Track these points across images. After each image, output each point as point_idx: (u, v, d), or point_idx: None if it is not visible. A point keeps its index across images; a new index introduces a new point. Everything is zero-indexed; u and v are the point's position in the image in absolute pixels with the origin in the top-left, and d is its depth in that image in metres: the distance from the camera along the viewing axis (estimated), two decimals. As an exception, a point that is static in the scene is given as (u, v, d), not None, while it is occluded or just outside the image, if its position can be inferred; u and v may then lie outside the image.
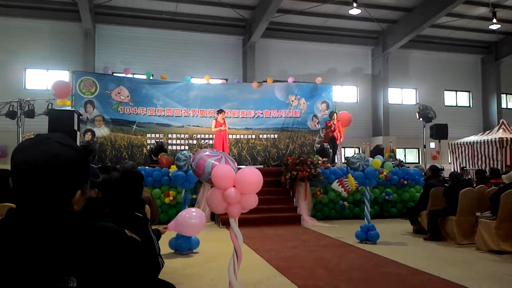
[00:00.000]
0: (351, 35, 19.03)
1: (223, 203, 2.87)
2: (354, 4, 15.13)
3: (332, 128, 12.58)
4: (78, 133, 10.26)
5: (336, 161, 12.52)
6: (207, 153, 3.07)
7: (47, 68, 16.44)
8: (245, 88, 14.04)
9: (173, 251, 6.37)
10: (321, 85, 14.17)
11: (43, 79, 16.30)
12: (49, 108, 10.29)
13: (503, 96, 21.71)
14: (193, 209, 3.42)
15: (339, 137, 12.59)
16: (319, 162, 10.76)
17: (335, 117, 12.71)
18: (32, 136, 1.18)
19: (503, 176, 7.38)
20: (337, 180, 8.14)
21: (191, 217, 3.24)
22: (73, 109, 10.88)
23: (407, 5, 17.05)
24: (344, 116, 13.53)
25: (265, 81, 14.13)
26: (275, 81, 14.28)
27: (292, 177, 10.07)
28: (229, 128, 12.31)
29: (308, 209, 9.93)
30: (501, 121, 15.43)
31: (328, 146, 12.92)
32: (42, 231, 1.04)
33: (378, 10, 17.10)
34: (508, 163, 13.28)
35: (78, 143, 9.94)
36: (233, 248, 2.96)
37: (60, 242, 1.03)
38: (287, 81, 14.18)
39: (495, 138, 13.77)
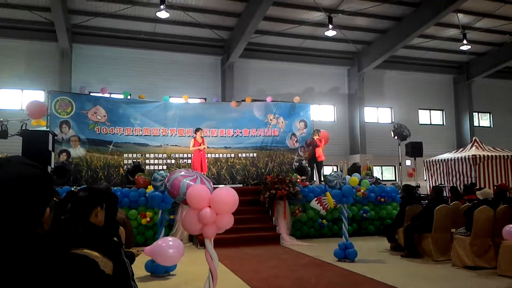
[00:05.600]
0: (327, 56, 19.42)
1: (198, 224, 2.85)
2: (330, 26, 15.48)
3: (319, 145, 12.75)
4: (52, 153, 10.06)
5: (321, 179, 12.66)
6: (182, 173, 3.05)
7: (22, 88, 16.14)
8: (224, 107, 14.07)
9: (149, 273, 6.24)
10: (299, 104, 14.32)
11: (18, 99, 16.00)
12: (23, 128, 10.07)
13: (475, 114, 22.37)
14: (170, 238, 3.32)
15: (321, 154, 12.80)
16: (298, 180, 10.81)
17: (320, 134, 12.88)
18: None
19: (477, 192, 7.54)
20: (315, 198, 8.19)
21: (168, 247, 3.14)
22: (48, 129, 10.68)
23: (380, 27, 17.54)
24: (321, 134, 13.68)
25: (244, 100, 14.19)
26: (253, 100, 14.36)
27: (271, 196, 10.05)
28: (208, 147, 12.26)
29: (287, 228, 9.90)
30: (473, 138, 15.83)
31: (310, 164, 13.11)
32: (13, 259, 1.00)
33: (353, 32, 17.55)
34: (482, 179, 13.58)
35: (52, 164, 9.75)
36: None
37: (30, 272, 0.99)
38: (266, 100, 14.28)
39: (469, 156, 14.10)
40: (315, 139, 12.84)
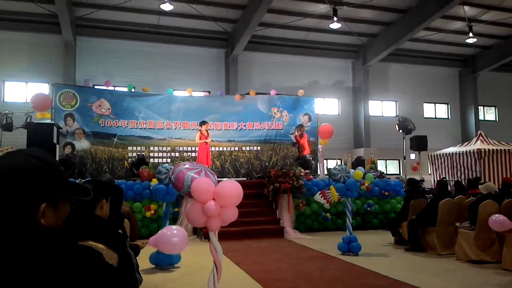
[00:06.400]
0: (332, 49, 19.32)
1: (203, 217, 2.85)
2: (335, 19, 15.39)
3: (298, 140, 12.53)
4: (57, 146, 10.09)
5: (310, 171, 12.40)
6: (186, 166, 3.05)
7: (26, 81, 16.20)
8: (228, 101, 14.05)
9: (153, 266, 6.27)
10: (303, 97, 14.28)
11: (22, 92, 16.05)
12: (27, 121, 10.10)
13: (480, 108, 22.24)
14: (174, 227, 3.33)
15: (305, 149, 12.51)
16: (302, 174, 10.80)
17: (301, 130, 12.63)
18: (10, 150, 1.15)
19: (480, 186, 7.51)
20: (319, 192, 8.19)
21: (173, 235, 3.15)
22: (52, 122, 10.72)
23: (386, 20, 17.42)
24: (325, 128, 13.65)
25: (248, 94, 14.17)
26: (257, 93, 14.34)
27: (275, 189, 10.05)
28: (212, 140, 12.27)
29: (291, 221, 9.91)
30: (478, 132, 15.71)
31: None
32: (12, 251, 1.00)
33: (358, 24, 17.43)
34: (487, 173, 13.51)
35: (57, 157, 9.78)
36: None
37: (35, 264, 0.98)
38: (270, 94, 14.25)
39: (474, 149, 14.01)
40: (296, 135, 12.63)
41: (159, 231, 3.25)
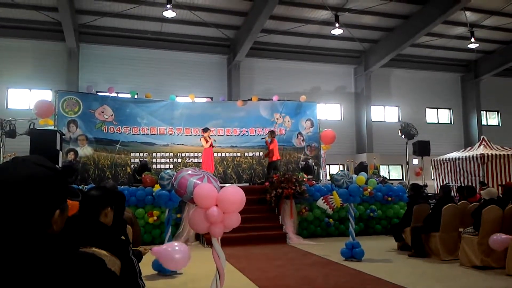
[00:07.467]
0: (334, 55, 19.36)
1: (206, 223, 2.86)
2: (336, 25, 15.45)
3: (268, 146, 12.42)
4: (60, 153, 10.10)
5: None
6: (189, 172, 3.06)
7: (29, 88, 16.28)
8: (230, 106, 14.08)
9: (156, 272, 6.26)
10: (305, 103, 14.30)
11: (26, 99, 16.12)
12: (31, 128, 10.13)
13: (483, 113, 22.20)
14: (176, 243, 3.32)
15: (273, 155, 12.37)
16: (304, 179, 10.79)
17: (271, 135, 12.47)
18: (12, 157, 1.17)
19: (482, 192, 7.50)
20: (322, 197, 8.17)
21: (175, 252, 3.14)
22: (55, 128, 10.75)
23: (388, 25, 17.46)
24: (328, 133, 13.65)
25: (250, 99, 14.19)
26: (260, 99, 14.36)
27: (277, 195, 10.04)
28: (214, 146, 12.29)
29: (294, 227, 9.89)
30: (481, 137, 15.69)
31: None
32: (22, 257, 1.01)
33: (359, 30, 17.48)
34: (490, 178, 13.47)
35: (60, 163, 9.80)
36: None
37: (38, 271, 1.00)
38: (272, 99, 14.27)
39: (476, 154, 13.99)
40: (267, 140, 12.49)
41: (162, 246, 3.23)
